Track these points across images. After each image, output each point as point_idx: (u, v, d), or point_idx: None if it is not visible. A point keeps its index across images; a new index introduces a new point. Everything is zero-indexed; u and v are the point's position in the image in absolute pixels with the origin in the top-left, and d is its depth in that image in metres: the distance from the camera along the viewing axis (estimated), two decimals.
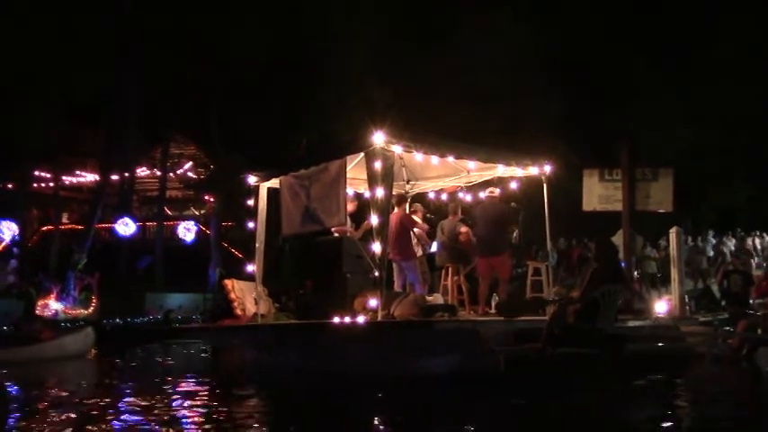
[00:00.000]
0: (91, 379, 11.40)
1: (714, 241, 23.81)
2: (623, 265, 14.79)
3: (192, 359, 14.86)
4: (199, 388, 9.79)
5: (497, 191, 10.87)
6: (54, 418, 7.17)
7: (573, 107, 23.89)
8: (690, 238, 22.78)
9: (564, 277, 19.70)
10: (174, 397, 8.79)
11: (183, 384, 10.18)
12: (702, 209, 28.56)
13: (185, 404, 8.15)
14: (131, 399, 8.68)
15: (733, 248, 23.40)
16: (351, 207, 11.02)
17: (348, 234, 10.79)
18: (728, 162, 27.40)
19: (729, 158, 27.31)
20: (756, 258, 23.25)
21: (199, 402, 8.28)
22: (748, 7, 25.70)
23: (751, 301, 12.57)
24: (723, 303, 14.65)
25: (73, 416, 7.26)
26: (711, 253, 22.88)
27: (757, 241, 24.26)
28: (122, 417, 7.27)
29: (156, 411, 7.51)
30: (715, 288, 17.45)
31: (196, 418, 7.16)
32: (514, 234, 10.77)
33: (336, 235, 10.78)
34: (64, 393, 9.25)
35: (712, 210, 29.21)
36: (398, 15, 23.19)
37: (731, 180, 28.13)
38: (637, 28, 26.40)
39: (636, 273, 19.56)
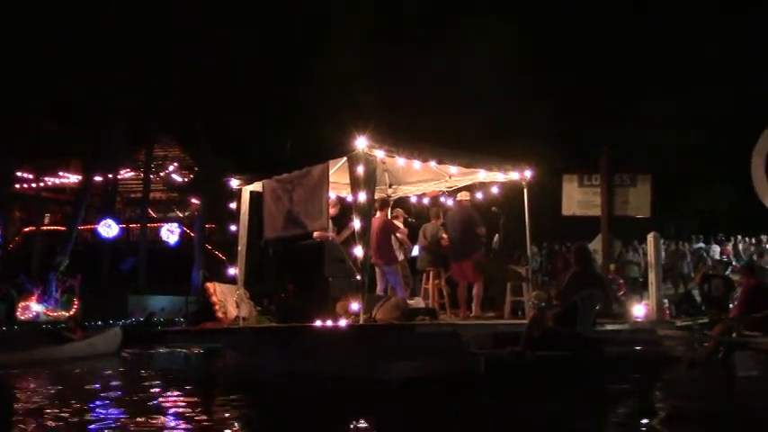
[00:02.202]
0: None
1: (697, 246, 23.97)
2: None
3: (173, 362, 14.86)
4: (180, 391, 9.79)
5: (468, 196, 10.98)
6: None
7: (556, 111, 24.03)
8: (672, 243, 22.96)
9: (546, 281, 19.84)
10: (155, 400, 8.80)
11: (163, 387, 10.19)
12: (685, 213, 28.76)
13: (165, 407, 8.16)
14: (110, 407, 8.68)
15: (717, 253, 23.57)
16: (333, 211, 11.05)
17: (330, 238, 10.82)
18: (711, 166, 27.60)
19: (712, 162, 27.50)
20: (736, 262, 23.44)
21: (180, 405, 8.30)
22: (731, 9, 25.91)
23: (731, 306, 12.69)
24: (704, 308, 14.79)
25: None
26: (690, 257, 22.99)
27: (740, 246, 24.43)
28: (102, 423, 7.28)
29: (135, 413, 7.53)
30: (696, 292, 17.62)
31: (176, 422, 7.18)
32: (495, 238, 10.85)
33: (317, 239, 10.81)
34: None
35: (695, 214, 29.41)
36: (385, 19, 23.27)
37: (714, 184, 28.31)
38: (620, 32, 26.58)
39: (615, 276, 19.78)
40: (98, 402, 8.74)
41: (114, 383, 11.12)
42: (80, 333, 15.63)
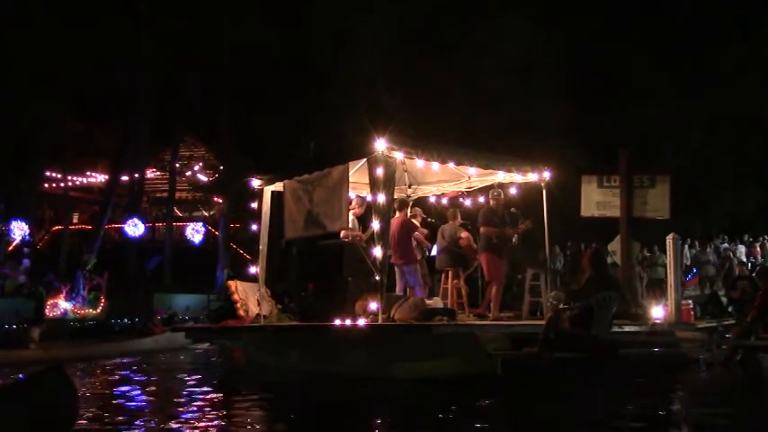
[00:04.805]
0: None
1: (724, 246, 23.68)
2: None
3: (195, 359, 15.07)
4: (200, 388, 9.94)
5: (493, 196, 10.99)
6: None
7: (579, 112, 23.90)
8: (698, 244, 22.72)
9: (569, 282, 19.74)
10: (176, 398, 8.95)
11: (184, 384, 10.35)
12: (713, 213, 28.43)
13: (186, 404, 8.30)
14: (133, 400, 8.86)
15: (744, 254, 23.26)
16: (359, 210, 11.15)
17: (355, 237, 10.89)
18: (740, 166, 27.27)
19: (741, 163, 27.17)
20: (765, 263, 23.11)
21: (200, 402, 8.43)
22: (761, 6, 25.57)
23: None
24: (730, 309, 14.68)
25: None
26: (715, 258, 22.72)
27: None
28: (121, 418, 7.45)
29: (156, 411, 7.68)
30: (722, 294, 17.45)
31: (196, 419, 7.30)
32: (514, 239, 10.86)
33: (343, 239, 10.87)
34: None
35: (723, 215, 29.05)
36: (406, 21, 23.34)
37: (743, 184, 27.97)
38: (646, 30, 26.36)
39: (643, 277, 19.62)
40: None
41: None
42: (160, 327, 17.43)
